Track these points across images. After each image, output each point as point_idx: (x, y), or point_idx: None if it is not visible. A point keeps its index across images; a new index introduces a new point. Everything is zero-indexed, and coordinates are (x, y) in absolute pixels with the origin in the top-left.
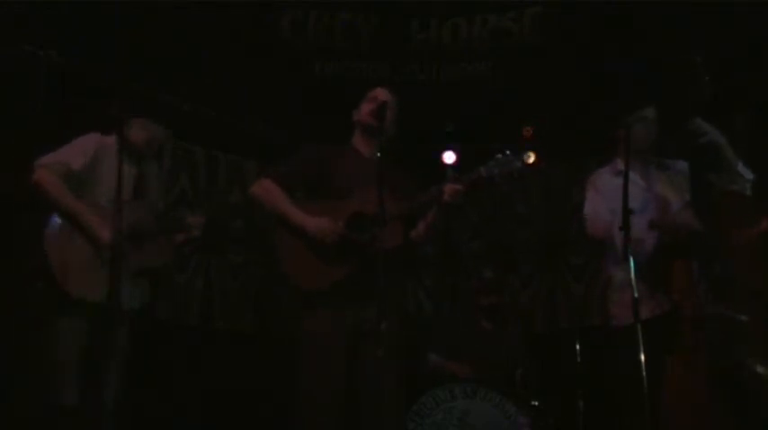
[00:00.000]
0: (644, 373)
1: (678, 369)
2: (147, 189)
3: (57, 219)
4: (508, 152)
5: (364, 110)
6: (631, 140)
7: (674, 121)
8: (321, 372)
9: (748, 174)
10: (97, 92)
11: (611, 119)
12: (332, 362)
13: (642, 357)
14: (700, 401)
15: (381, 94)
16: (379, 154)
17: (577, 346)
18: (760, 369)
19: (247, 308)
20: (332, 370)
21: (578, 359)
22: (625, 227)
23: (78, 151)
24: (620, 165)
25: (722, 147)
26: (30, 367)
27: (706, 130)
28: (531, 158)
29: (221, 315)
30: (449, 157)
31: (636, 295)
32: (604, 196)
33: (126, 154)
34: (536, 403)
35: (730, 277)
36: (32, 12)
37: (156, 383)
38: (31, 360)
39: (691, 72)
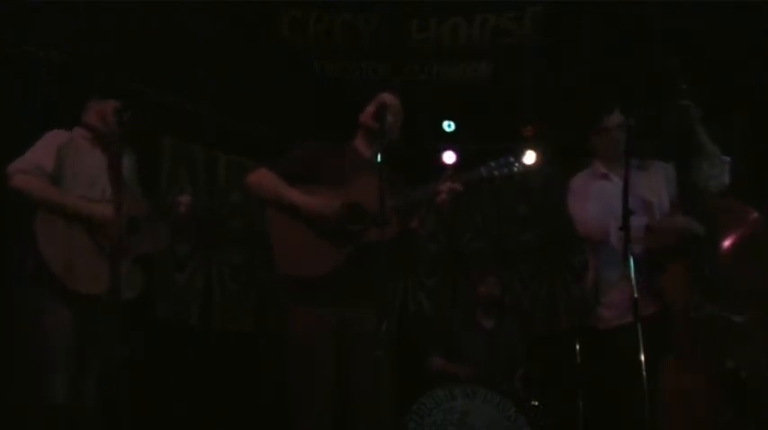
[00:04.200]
0: (644, 373)
1: (674, 371)
2: (121, 175)
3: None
4: (510, 155)
5: (367, 112)
6: (611, 144)
7: (652, 122)
8: (307, 371)
9: (724, 158)
10: (97, 92)
11: (586, 124)
12: (318, 361)
13: (642, 357)
14: (697, 403)
15: (386, 97)
16: (379, 158)
17: (577, 346)
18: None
19: (247, 308)
20: (318, 369)
21: (578, 359)
22: (625, 227)
23: (44, 152)
24: (601, 167)
25: (696, 130)
26: (19, 364)
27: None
28: (532, 158)
29: (221, 315)
30: (449, 157)
31: (636, 295)
32: (589, 199)
33: (91, 141)
34: (536, 403)
35: (720, 277)
36: (33, 12)
37: (156, 383)
38: (20, 357)
39: (668, 75)
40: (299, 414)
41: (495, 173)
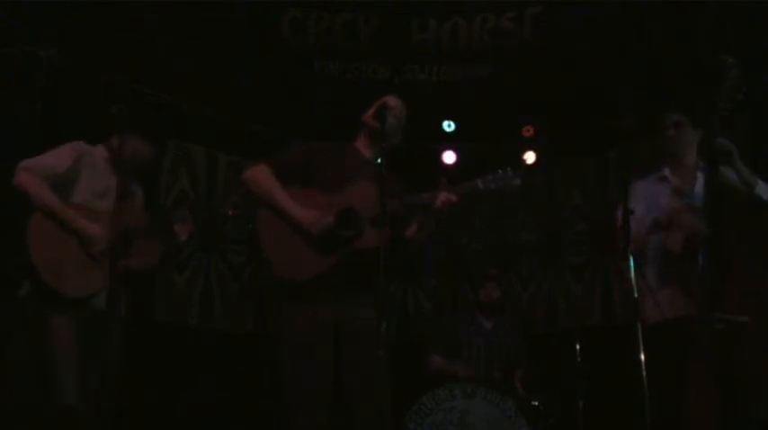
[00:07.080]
0: (644, 373)
1: (692, 371)
2: (131, 200)
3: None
4: (509, 169)
5: (369, 112)
6: (666, 143)
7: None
8: (305, 371)
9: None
10: (97, 92)
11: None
12: (316, 361)
13: (642, 357)
14: (711, 404)
15: (389, 99)
16: (379, 160)
17: (577, 346)
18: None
19: (247, 308)
20: (316, 368)
21: (578, 359)
22: (625, 227)
23: (62, 155)
24: (666, 171)
25: (737, 165)
26: (27, 367)
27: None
28: (532, 158)
29: (221, 315)
30: (448, 158)
31: (636, 295)
32: (643, 203)
33: (111, 164)
34: (536, 403)
35: (720, 279)
36: (32, 12)
37: (157, 384)
38: (28, 360)
39: (725, 73)
40: (296, 414)
41: (492, 186)
